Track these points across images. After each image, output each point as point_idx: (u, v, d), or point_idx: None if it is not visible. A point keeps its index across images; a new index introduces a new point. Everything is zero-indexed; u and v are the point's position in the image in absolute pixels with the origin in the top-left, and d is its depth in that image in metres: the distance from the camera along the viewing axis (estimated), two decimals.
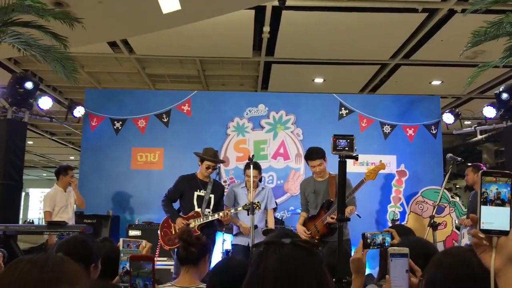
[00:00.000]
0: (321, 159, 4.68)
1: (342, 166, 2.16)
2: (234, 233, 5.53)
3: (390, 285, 1.71)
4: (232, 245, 5.57)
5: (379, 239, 1.96)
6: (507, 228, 1.06)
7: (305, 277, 1.14)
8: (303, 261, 1.16)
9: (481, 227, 1.08)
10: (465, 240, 6.09)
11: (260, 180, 5.74)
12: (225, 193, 5.38)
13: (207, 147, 5.06)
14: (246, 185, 5.38)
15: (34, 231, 5.07)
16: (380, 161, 4.53)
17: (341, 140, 2.16)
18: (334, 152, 2.16)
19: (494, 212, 1.08)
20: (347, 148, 2.16)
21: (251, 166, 4.83)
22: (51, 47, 4.32)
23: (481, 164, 5.79)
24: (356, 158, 2.20)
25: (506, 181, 1.09)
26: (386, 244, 1.87)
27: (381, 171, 4.48)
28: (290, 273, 1.13)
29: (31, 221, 18.54)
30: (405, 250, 1.70)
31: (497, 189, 1.09)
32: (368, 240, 1.97)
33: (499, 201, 1.09)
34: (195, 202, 4.88)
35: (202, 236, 2.62)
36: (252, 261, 1.23)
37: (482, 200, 1.10)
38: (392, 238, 1.92)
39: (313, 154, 4.70)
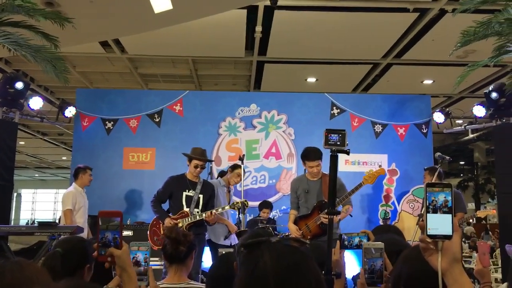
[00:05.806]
0: (320, 159, 4.69)
1: (334, 160, 2.19)
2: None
3: (364, 278, 1.75)
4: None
5: (355, 240, 2.05)
6: (450, 233, 1.19)
7: (303, 273, 1.14)
8: (297, 257, 1.17)
9: (428, 233, 1.20)
10: None
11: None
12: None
13: (195, 147, 5.09)
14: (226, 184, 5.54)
15: (25, 232, 5.02)
16: (380, 166, 4.54)
17: (332, 135, 2.19)
18: (325, 146, 2.20)
19: (438, 219, 1.20)
20: (338, 143, 2.20)
21: (242, 166, 4.90)
22: (41, 47, 4.29)
23: (437, 166, 5.83)
24: (347, 152, 2.23)
25: (449, 191, 1.22)
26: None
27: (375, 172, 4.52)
28: (288, 270, 1.13)
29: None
30: (380, 245, 1.79)
31: (444, 197, 1.21)
32: (346, 242, 2.07)
33: (446, 209, 1.21)
34: (183, 202, 4.88)
35: (188, 233, 2.63)
36: (243, 261, 1.22)
37: (432, 207, 1.21)
38: (369, 239, 2.01)
39: (312, 154, 4.68)
